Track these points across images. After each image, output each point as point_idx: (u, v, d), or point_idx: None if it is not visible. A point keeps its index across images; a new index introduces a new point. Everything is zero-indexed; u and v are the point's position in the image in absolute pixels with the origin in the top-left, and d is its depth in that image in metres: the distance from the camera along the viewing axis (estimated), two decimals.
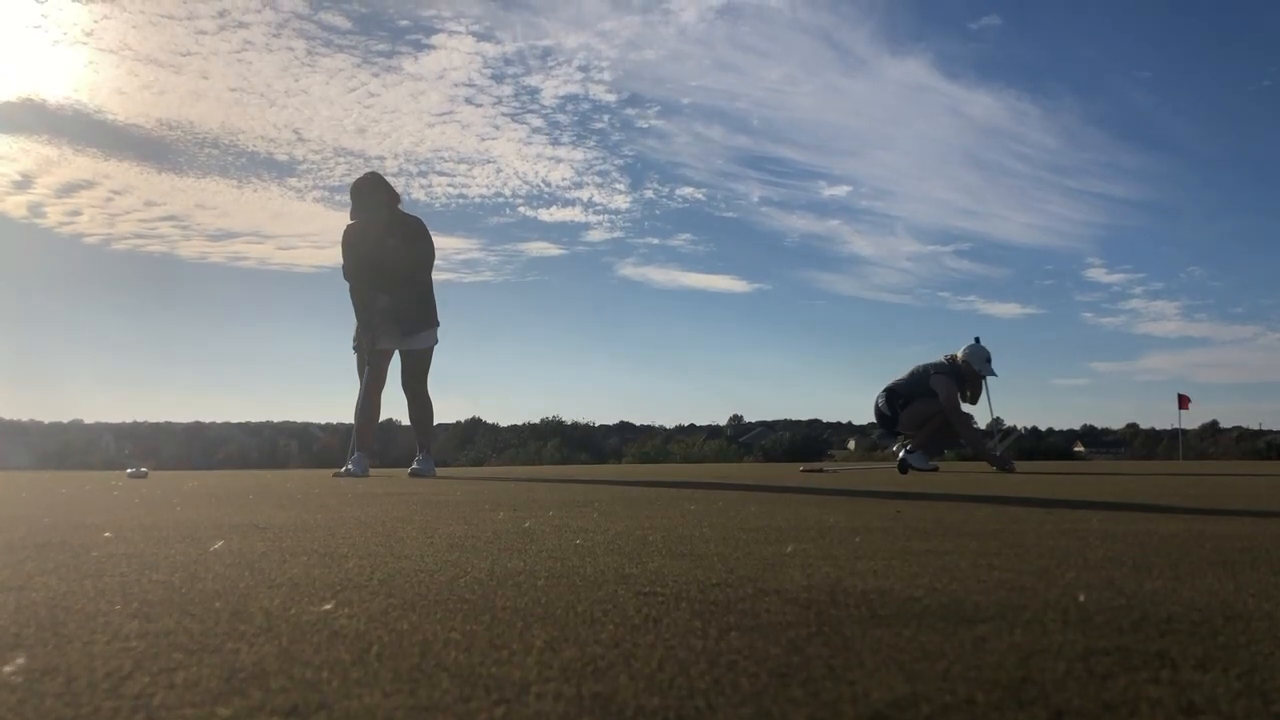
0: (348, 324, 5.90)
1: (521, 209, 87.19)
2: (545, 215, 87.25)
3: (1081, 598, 1.13)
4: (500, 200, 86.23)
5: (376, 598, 1.14)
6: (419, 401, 5.84)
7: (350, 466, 5.66)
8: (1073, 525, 2.14)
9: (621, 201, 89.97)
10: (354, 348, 5.88)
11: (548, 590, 1.20)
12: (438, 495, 3.45)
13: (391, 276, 5.66)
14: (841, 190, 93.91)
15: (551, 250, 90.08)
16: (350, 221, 5.73)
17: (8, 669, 0.78)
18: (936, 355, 7.58)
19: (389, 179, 5.77)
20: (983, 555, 1.56)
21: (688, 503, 2.97)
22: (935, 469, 7.19)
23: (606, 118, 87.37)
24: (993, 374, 7.51)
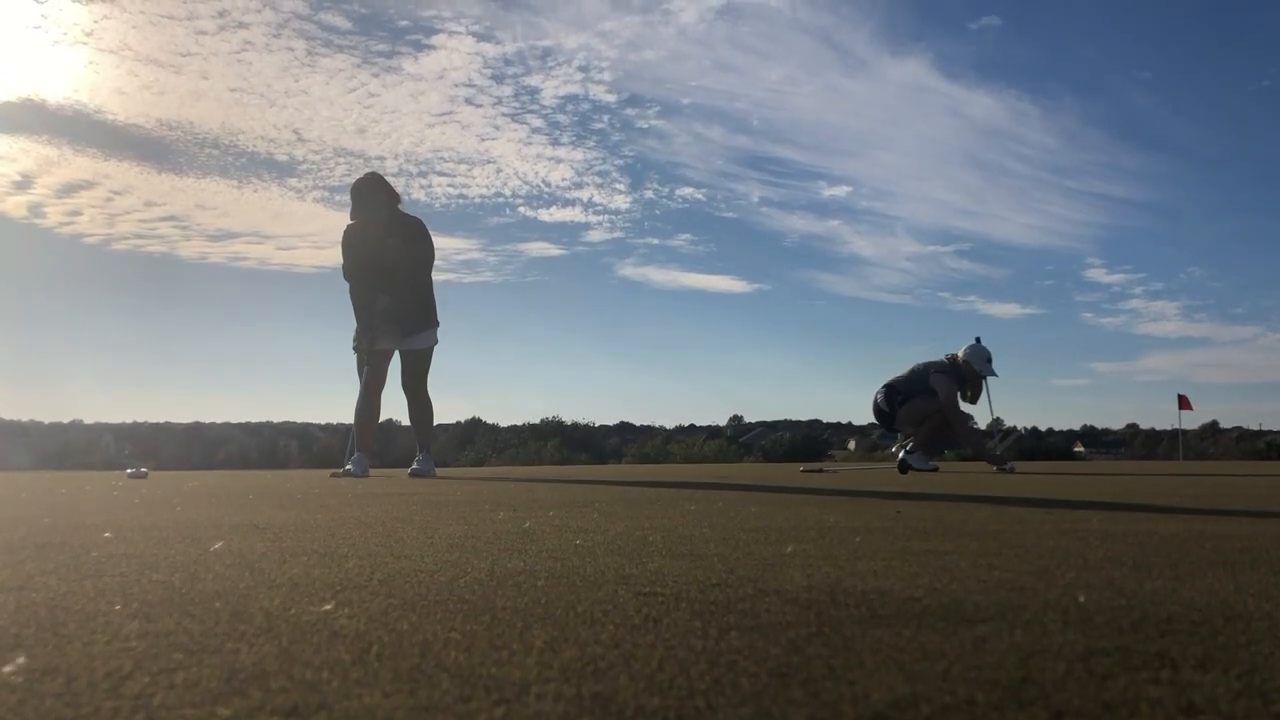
0: (348, 324, 5.90)
1: (521, 209, 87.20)
2: (545, 215, 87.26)
3: (1081, 598, 1.13)
4: (500, 200, 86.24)
5: (376, 598, 1.14)
6: (419, 402, 5.84)
7: (350, 467, 5.66)
8: (1073, 525, 2.14)
9: (621, 202, 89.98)
10: (354, 348, 5.88)
11: (548, 590, 1.20)
12: (438, 495, 3.45)
13: (391, 277, 5.66)
14: (841, 190, 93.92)
15: (551, 250, 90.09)
16: (350, 222, 5.73)
17: (8, 669, 0.78)
18: (937, 355, 7.58)
19: (389, 179, 5.77)
20: (983, 555, 1.56)
21: (688, 503, 2.97)
22: (935, 469, 7.19)
23: (606, 118, 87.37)
24: (993, 374, 7.50)
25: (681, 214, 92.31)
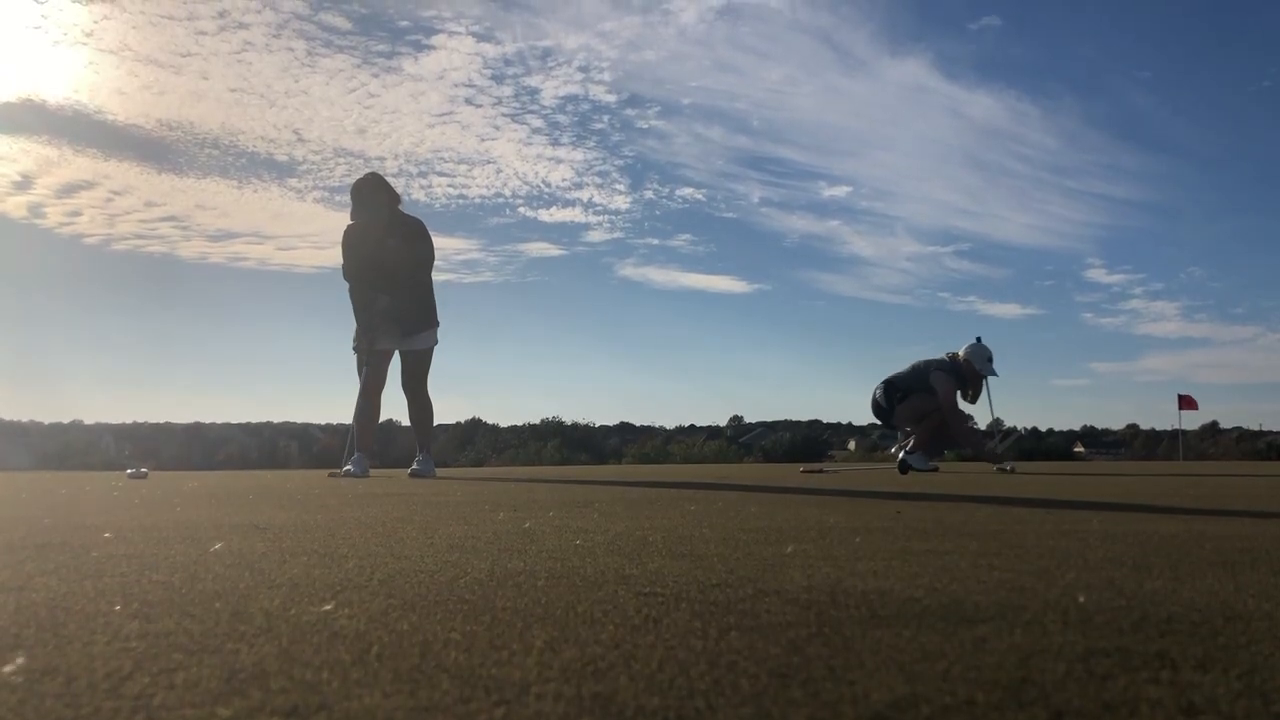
0: (347, 324, 5.90)
1: (521, 209, 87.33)
2: (545, 216, 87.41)
3: (1081, 598, 1.13)
4: (500, 201, 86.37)
5: (376, 598, 1.14)
6: (419, 402, 5.84)
7: (350, 467, 5.65)
8: (1073, 526, 2.14)
9: (621, 202, 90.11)
10: (354, 348, 5.88)
11: (548, 591, 1.20)
12: (438, 496, 3.45)
13: (391, 277, 5.66)
14: (841, 191, 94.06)
15: (551, 251, 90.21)
16: (350, 222, 5.73)
17: (8, 669, 0.78)
18: (937, 355, 7.58)
19: (389, 180, 5.77)
20: (983, 555, 1.56)
21: (688, 503, 2.97)
22: (935, 469, 7.18)
23: (606, 118, 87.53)
24: (993, 374, 7.50)
25: (681, 214, 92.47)
